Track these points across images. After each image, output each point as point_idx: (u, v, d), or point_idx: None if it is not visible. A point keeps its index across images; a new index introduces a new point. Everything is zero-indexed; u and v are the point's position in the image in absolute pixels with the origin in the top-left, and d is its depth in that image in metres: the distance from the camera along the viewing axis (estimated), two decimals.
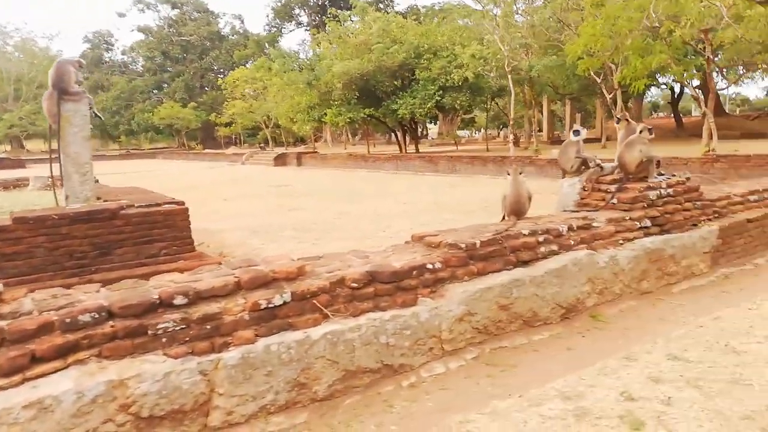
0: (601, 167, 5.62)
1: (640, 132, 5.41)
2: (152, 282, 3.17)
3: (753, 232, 5.86)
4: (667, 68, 16.85)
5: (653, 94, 57.48)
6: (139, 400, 2.60)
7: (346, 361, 3.20)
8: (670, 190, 5.31)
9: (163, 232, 5.67)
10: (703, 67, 17.42)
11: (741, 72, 23.09)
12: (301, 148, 41.62)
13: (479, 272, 3.95)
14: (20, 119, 52.27)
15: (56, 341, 2.59)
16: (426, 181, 18.42)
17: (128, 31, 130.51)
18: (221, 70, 63.18)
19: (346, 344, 3.19)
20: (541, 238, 4.31)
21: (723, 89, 25.86)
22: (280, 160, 32.31)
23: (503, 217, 4.98)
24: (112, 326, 2.73)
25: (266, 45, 56.77)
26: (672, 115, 40.39)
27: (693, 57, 18.72)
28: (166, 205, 5.91)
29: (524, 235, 4.26)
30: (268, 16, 67.82)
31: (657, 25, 15.29)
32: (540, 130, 35.27)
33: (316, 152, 33.83)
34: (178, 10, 65.23)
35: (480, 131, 43.57)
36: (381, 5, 49.25)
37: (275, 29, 63.60)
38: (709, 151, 14.85)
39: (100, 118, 6.80)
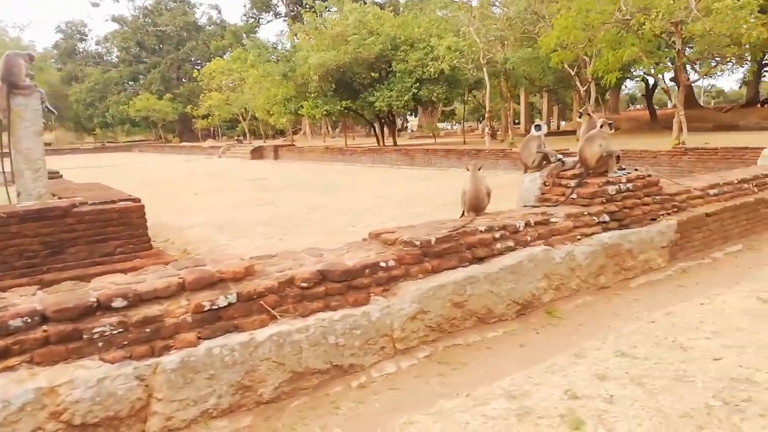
0: (563, 162, 5.63)
1: (601, 126, 5.42)
2: (92, 284, 3.09)
3: (712, 226, 5.93)
4: (639, 61, 16.98)
5: (630, 86, 58.11)
6: (71, 408, 2.53)
7: (294, 363, 3.16)
8: (629, 185, 5.33)
9: (119, 230, 5.54)
10: (675, 60, 17.60)
11: (713, 64, 23.39)
12: (279, 141, 41.30)
13: (434, 269, 3.93)
14: None
15: None
16: (402, 174, 18.40)
17: (102, 21, 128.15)
18: (198, 61, 62.33)
19: (293, 345, 3.15)
20: (497, 235, 4.31)
21: (695, 81, 26.15)
22: (257, 153, 32.05)
23: (462, 213, 4.97)
24: (44, 331, 2.66)
25: (244, 36, 56.05)
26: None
27: (666, 50, 18.91)
28: (122, 202, 5.77)
29: (481, 231, 4.25)
30: (245, 6, 66.88)
31: (629, 17, 15.40)
32: (518, 123, 35.43)
33: (293, 145, 33.59)
34: (154, 0, 64.10)
35: (460, 124, 43.58)
36: None
37: (253, 20, 62.81)
38: (678, 143, 15.03)
39: (53, 113, 6.62)
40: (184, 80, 61.96)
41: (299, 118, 38.31)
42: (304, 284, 3.35)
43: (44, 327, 2.67)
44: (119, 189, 7.74)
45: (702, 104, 44.57)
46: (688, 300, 4.39)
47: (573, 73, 21.90)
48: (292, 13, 53.63)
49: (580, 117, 6.19)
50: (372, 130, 36.14)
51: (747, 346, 3.38)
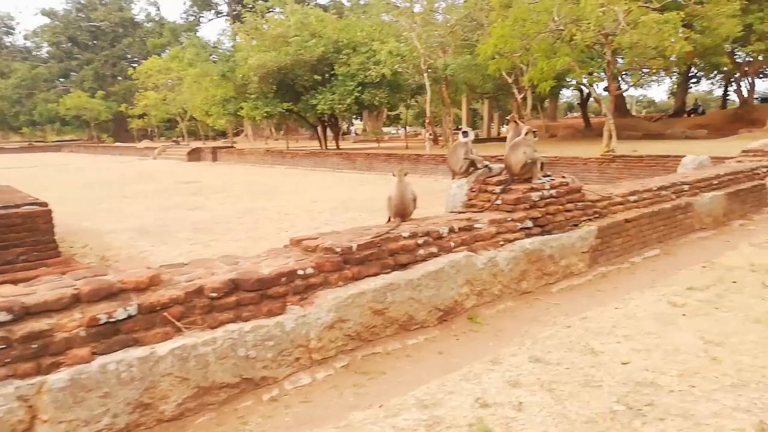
0: (490, 168, 5.68)
1: (525, 134, 5.50)
2: None
3: (631, 232, 6.13)
4: (572, 70, 17.54)
5: (568, 94, 60.12)
6: None
7: (199, 377, 3.00)
8: (553, 191, 5.43)
9: (22, 236, 5.17)
10: (606, 70, 18.28)
11: (642, 75, 24.51)
12: (219, 143, 40.37)
13: (354, 277, 3.85)
14: None
15: None
16: (342, 178, 18.29)
17: (32, 14, 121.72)
18: (135, 59, 60.15)
19: (198, 359, 3.00)
20: (420, 241, 4.28)
21: (625, 91, 27.26)
22: (194, 155, 31.19)
23: (389, 219, 4.92)
24: None
25: (183, 34, 54.53)
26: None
27: (598, 60, 19.62)
28: (27, 207, 5.40)
29: (404, 237, 4.21)
30: (185, 3, 65.07)
31: (562, 28, 15.89)
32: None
33: (233, 147, 32.90)
34: None
35: (405, 128, 43.85)
36: None
37: (193, 18, 61.28)
38: (608, 151, 15.61)
39: None
40: (119, 78, 59.63)
41: (240, 120, 37.53)
42: (214, 294, 3.20)
43: None
44: (34, 193, 7.29)
45: (633, 113, 46.64)
46: (605, 304, 4.50)
47: (510, 81, 22.41)
48: (234, 12, 52.61)
49: (506, 124, 6.25)
50: (315, 133, 35.85)
51: (653, 350, 3.48)
